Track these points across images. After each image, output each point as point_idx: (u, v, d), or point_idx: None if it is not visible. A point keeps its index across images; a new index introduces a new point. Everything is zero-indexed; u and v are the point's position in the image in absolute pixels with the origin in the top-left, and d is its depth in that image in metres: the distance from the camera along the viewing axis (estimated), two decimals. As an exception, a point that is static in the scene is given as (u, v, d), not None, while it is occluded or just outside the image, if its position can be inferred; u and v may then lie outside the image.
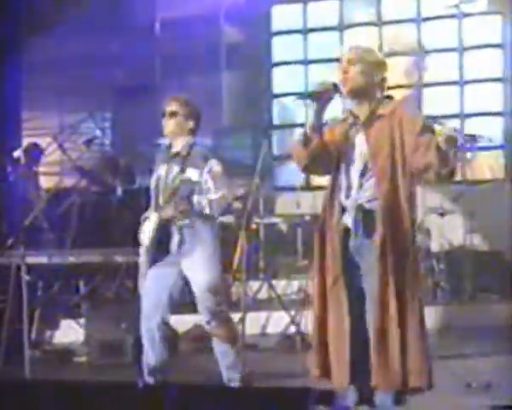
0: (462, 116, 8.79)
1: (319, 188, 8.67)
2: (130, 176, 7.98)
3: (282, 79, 9.43)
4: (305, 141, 3.53)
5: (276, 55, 9.44)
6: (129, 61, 8.88)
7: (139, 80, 8.96)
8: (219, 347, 4.33)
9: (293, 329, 6.29)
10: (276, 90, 9.42)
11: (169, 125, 4.40)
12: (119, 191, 7.72)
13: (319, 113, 3.51)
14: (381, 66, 3.59)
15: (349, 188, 3.55)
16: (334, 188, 3.59)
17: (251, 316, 5.39)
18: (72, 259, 5.85)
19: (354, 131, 3.57)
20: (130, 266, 5.80)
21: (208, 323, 4.32)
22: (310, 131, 3.52)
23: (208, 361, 5.61)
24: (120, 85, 9.01)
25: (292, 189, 7.92)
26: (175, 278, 4.35)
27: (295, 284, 7.40)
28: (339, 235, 3.55)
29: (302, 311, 6.42)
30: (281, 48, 9.46)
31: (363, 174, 3.52)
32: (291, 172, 8.99)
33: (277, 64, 9.45)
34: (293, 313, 6.38)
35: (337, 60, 9.12)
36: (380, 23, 9.10)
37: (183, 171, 4.31)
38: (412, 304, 3.47)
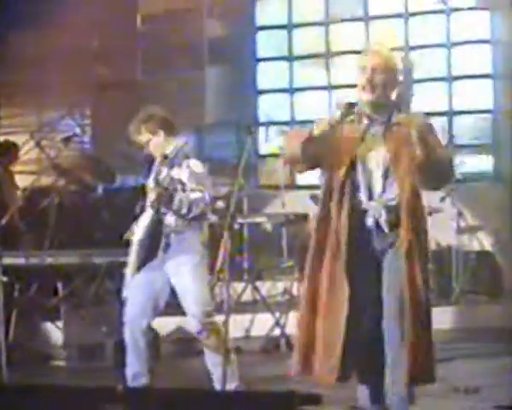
0: (451, 113, 8.84)
1: (304, 187, 8.73)
2: (110, 175, 7.96)
3: (266, 75, 9.44)
4: (306, 144, 3.60)
5: (261, 51, 9.45)
6: (109, 57, 8.85)
7: (120, 76, 8.94)
8: (211, 359, 4.32)
9: (278, 331, 6.31)
10: (261, 86, 9.43)
11: (154, 145, 4.45)
12: (99, 190, 7.71)
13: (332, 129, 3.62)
14: (399, 71, 3.71)
15: (370, 190, 3.66)
16: (343, 189, 3.66)
17: (234, 318, 5.39)
18: (50, 260, 5.84)
19: (371, 135, 3.68)
20: (110, 267, 5.80)
21: (199, 333, 4.33)
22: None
23: (191, 364, 5.63)
24: (100, 82, 8.99)
25: (277, 188, 7.93)
26: (161, 284, 4.36)
27: (280, 286, 7.41)
28: (350, 235, 3.62)
29: (287, 313, 6.45)
30: (265, 43, 9.46)
31: (385, 178, 3.64)
32: (276, 171, 9.02)
33: (262, 59, 9.46)
34: (277, 315, 6.40)
35: (323, 55, 9.22)
36: (366, 18, 9.12)
37: (169, 170, 4.34)
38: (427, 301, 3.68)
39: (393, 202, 3.63)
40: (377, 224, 3.65)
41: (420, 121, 3.68)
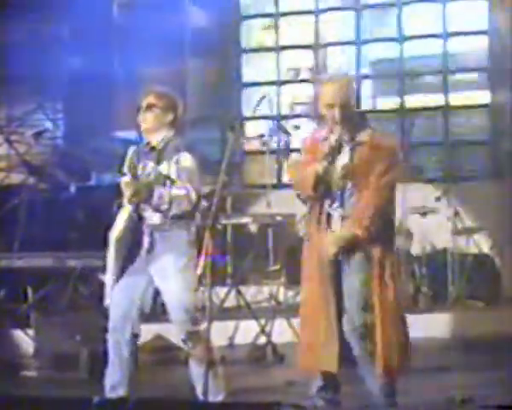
0: (447, 108, 8.88)
1: (291, 186, 8.74)
2: (84, 172, 7.95)
3: (251, 67, 9.44)
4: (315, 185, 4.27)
5: (246, 42, 9.45)
6: (83, 47, 8.83)
7: (94, 68, 8.91)
8: (196, 370, 4.31)
9: (263, 339, 6.32)
10: (246, 78, 9.44)
11: (146, 119, 4.42)
12: (73, 189, 7.69)
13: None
14: (352, 88, 4.36)
15: (332, 202, 4.28)
16: (321, 201, 4.31)
17: (217, 326, 5.39)
18: (19, 263, 5.83)
19: (336, 153, 4.27)
20: (85, 270, 5.79)
21: (184, 342, 4.32)
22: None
23: (170, 374, 5.63)
24: (74, 73, 8.96)
25: (262, 187, 7.94)
26: (145, 288, 4.34)
27: (266, 291, 7.43)
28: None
29: (273, 319, 6.46)
30: (251, 33, 9.47)
31: (343, 192, 4.26)
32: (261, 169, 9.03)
33: (247, 51, 9.47)
34: (263, 321, 6.41)
35: (311, 46, 9.25)
36: (358, 7, 9.15)
37: (157, 164, 4.32)
38: (393, 298, 4.22)
39: (349, 213, 4.23)
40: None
41: (386, 148, 4.27)
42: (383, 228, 4.24)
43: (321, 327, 4.19)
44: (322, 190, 4.27)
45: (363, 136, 4.28)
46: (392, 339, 4.18)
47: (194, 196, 4.27)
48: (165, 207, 4.24)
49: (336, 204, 4.28)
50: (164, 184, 4.27)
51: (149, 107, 4.42)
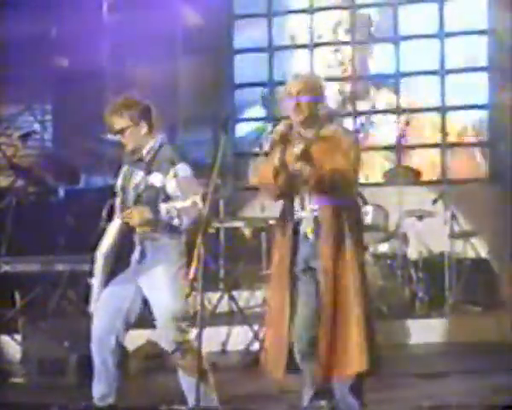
0: (444, 109, 8.91)
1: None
2: (73, 175, 7.95)
3: (244, 68, 9.47)
4: (275, 174, 4.23)
5: (239, 41, 9.48)
6: (73, 46, 8.84)
7: (84, 68, 8.92)
8: (186, 381, 4.29)
9: (256, 345, 6.33)
10: (238, 79, 9.46)
11: (123, 142, 4.35)
12: (61, 192, 7.69)
13: (284, 151, 4.23)
14: (324, 91, 4.37)
15: (302, 202, 4.29)
16: (291, 202, 4.35)
17: (209, 331, 5.40)
18: (6, 267, 5.82)
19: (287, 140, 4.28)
20: (74, 275, 5.79)
21: (173, 353, 4.30)
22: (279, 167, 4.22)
23: (161, 381, 5.63)
24: (63, 74, 8.97)
25: (256, 189, 7.94)
26: (133, 299, 4.32)
27: (259, 295, 7.43)
28: (293, 240, 4.28)
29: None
30: (243, 33, 9.49)
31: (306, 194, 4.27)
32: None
33: (240, 51, 9.49)
34: (256, 327, 6.42)
35: (305, 46, 9.26)
36: (353, 6, 9.18)
37: (147, 175, 4.28)
38: (359, 292, 4.20)
39: (317, 213, 4.25)
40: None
41: (346, 140, 4.29)
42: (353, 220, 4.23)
43: (276, 333, 4.26)
44: (284, 186, 4.21)
45: (326, 132, 4.28)
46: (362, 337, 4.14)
47: (201, 204, 4.20)
48: (176, 221, 4.20)
49: (305, 203, 4.24)
50: (158, 197, 4.24)
51: (120, 132, 4.33)
